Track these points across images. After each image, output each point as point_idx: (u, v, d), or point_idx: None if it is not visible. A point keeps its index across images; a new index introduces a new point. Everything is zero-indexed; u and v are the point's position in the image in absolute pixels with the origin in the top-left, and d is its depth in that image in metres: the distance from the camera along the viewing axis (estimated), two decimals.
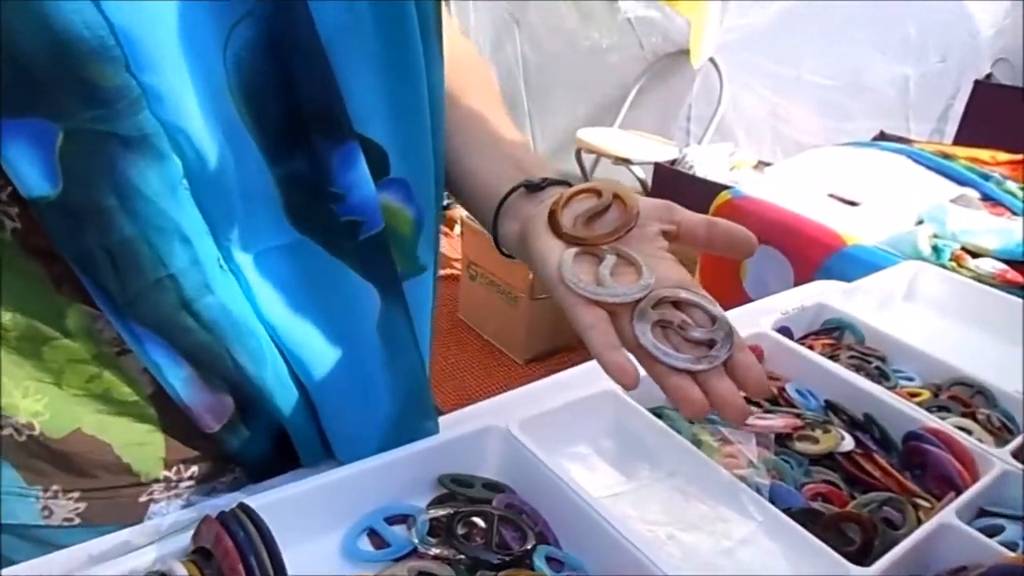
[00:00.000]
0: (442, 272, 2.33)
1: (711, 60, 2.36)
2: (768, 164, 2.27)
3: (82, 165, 0.34)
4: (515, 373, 2.15)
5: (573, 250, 0.41)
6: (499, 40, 3.17)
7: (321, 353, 0.44)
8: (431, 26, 0.43)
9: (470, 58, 0.55)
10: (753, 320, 0.73)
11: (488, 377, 2.14)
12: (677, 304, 0.39)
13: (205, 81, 0.35)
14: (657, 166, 2.21)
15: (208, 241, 0.38)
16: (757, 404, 0.63)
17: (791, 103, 2.24)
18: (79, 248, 0.36)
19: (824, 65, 2.08)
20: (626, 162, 2.41)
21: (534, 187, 0.46)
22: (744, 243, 0.42)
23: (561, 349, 2.20)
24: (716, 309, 0.39)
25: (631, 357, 0.37)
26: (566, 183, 0.47)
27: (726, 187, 1.96)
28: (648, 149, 2.44)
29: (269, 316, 0.42)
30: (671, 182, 2.15)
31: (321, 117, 0.38)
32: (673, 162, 2.25)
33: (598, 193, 0.44)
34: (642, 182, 2.44)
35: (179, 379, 0.41)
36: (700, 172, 2.12)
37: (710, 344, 0.38)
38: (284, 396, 0.44)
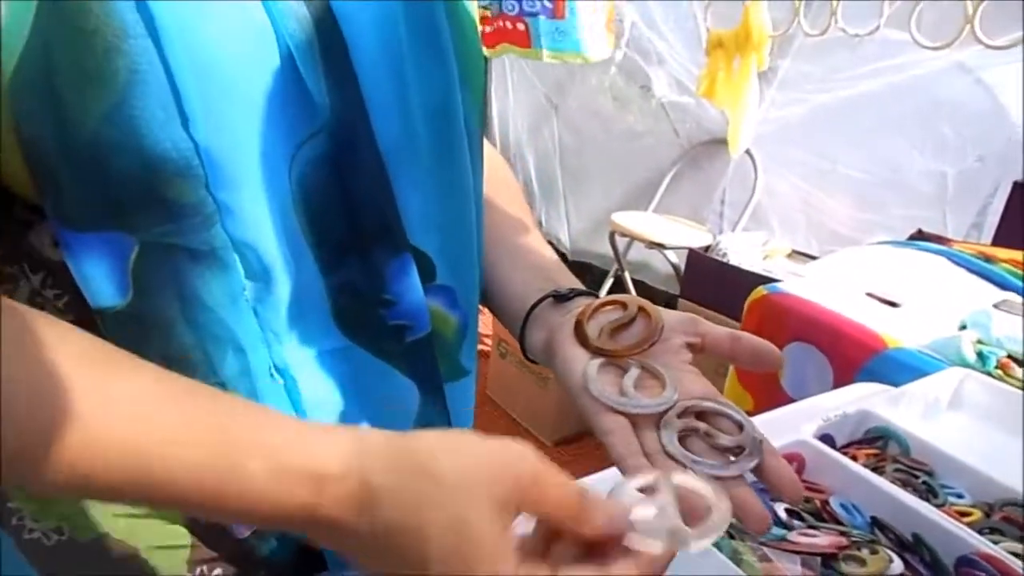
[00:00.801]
0: None
1: (747, 151, 2.40)
2: (803, 254, 2.27)
3: (152, 277, 0.36)
4: (543, 456, 2.12)
5: (598, 361, 0.42)
6: (537, 125, 3.27)
7: None
8: (477, 143, 0.46)
9: (498, 166, 0.58)
10: (793, 426, 0.71)
11: None
12: (701, 415, 0.40)
13: (273, 196, 0.37)
14: (691, 252, 2.22)
15: (262, 351, 0.40)
16: (799, 517, 0.61)
17: (826, 194, 2.25)
18: (140, 355, 0.38)
19: (860, 159, 2.10)
20: (660, 247, 2.43)
21: (562, 297, 0.48)
22: (769, 357, 0.42)
23: (589, 432, 2.16)
24: (742, 417, 0.39)
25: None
26: (593, 294, 0.48)
27: (759, 276, 1.97)
28: (682, 234, 2.46)
29: (310, 408, 0.42)
30: (704, 269, 2.15)
31: (379, 229, 0.40)
32: (707, 248, 2.26)
33: (624, 305, 0.45)
34: (675, 267, 2.45)
35: None
36: (734, 260, 2.13)
37: (738, 451, 0.37)
38: None
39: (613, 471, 0.66)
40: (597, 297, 0.47)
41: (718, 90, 2.10)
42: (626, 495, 0.33)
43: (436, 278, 0.45)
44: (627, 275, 2.80)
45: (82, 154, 0.32)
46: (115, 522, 0.43)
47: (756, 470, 0.37)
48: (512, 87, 3.32)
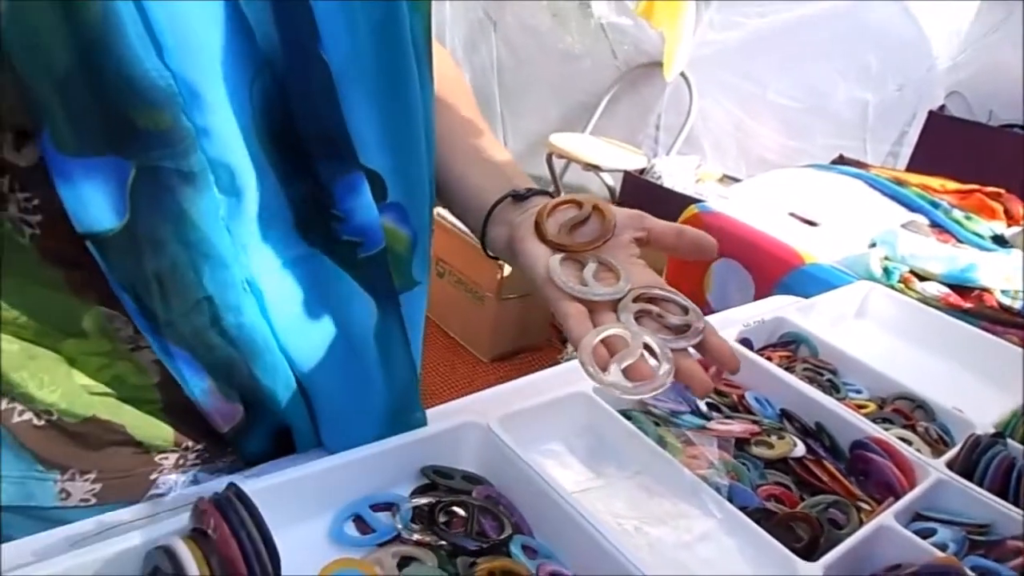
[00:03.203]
0: None
1: (682, 74, 2.42)
2: (733, 178, 2.35)
3: (148, 198, 0.37)
4: (479, 371, 2.18)
5: (559, 255, 0.45)
6: (474, 40, 3.18)
7: (324, 357, 0.47)
8: (424, 58, 0.46)
9: (448, 69, 0.58)
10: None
11: (452, 373, 2.16)
12: (652, 300, 0.44)
13: (239, 117, 0.38)
14: (626, 175, 2.26)
15: (238, 265, 0.41)
16: (718, 409, 0.67)
17: (756, 120, 2.31)
18: (132, 274, 0.39)
19: (789, 86, 2.16)
20: (596, 168, 2.46)
21: (520, 197, 0.50)
22: (708, 248, 0.47)
23: (526, 349, 2.23)
24: (686, 302, 0.44)
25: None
26: (548, 193, 0.51)
27: (692, 198, 2.03)
28: (618, 157, 2.49)
29: (279, 325, 0.45)
30: (639, 191, 2.20)
31: (329, 148, 0.41)
32: (642, 171, 2.31)
33: (579, 204, 0.48)
34: (611, 189, 2.49)
35: (200, 389, 0.44)
36: (667, 183, 2.19)
37: (684, 329, 0.42)
38: (289, 398, 0.47)
39: (546, 372, 0.71)
40: (552, 196, 0.49)
41: (656, 10, 2.09)
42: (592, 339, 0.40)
43: (388, 196, 0.46)
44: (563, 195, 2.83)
45: (73, 85, 0.33)
46: (99, 402, 0.44)
47: (699, 345, 0.42)
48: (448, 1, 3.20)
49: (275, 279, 0.43)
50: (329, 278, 0.45)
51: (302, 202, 0.42)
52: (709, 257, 0.48)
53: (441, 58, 0.56)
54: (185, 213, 0.38)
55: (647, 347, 0.41)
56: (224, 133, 0.38)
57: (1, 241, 0.40)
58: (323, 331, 0.46)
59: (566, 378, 0.65)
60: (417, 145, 0.47)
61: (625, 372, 0.40)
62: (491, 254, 0.53)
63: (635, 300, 0.44)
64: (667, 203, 2.06)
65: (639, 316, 0.43)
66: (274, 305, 0.44)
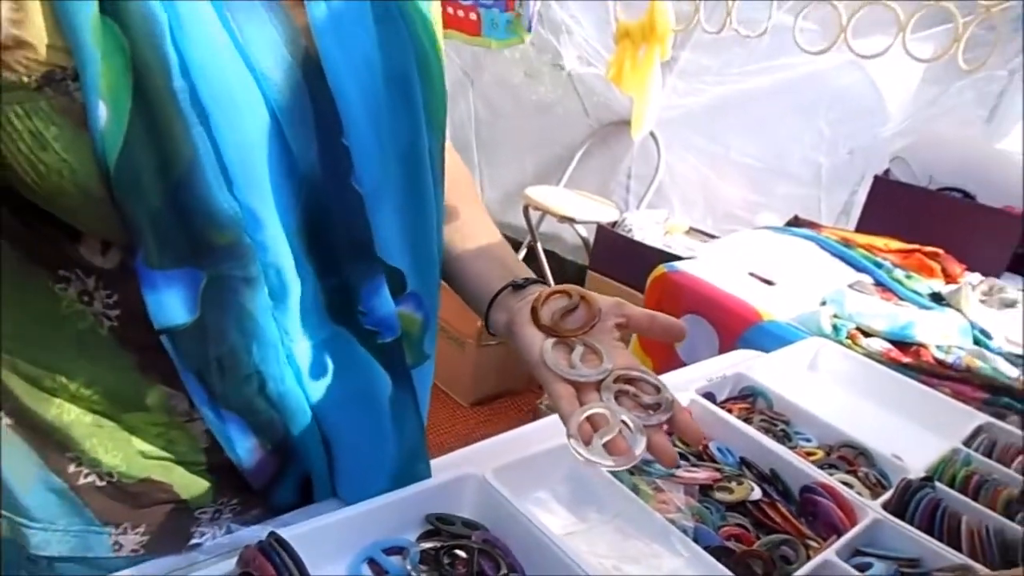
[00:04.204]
0: None
1: (651, 133, 2.57)
2: (699, 230, 2.47)
3: (214, 299, 0.45)
4: (460, 415, 2.24)
5: (551, 340, 0.54)
6: (453, 96, 3.32)
7: (346, 418, 0.55)
8: (439, 169, 0.56)
9: (453, 164, 0.68)
10: (684, 386, 0.86)
11: (433, 416, 2.20)
12: (629, 380, 0.52)
13: (286, 233, 0.47)
14: (599, 227, 2.37)
15: (281, 344, 0.49)
16: (686, 459, 0.76)
17: (721, 177, 2.46)
18: (197, 358, 0.47)
19: (750, 147, 2.31)
20: (570, 221, 2.57)
21: (519, 286, 0.59)
22: (677, 333, 0.55)
23: (505, 393, 2.30)
24: (659, 382, 0.52)
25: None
26: (543, 282, 0.60)
27: (660, 251, 2.15)
28: (591, 209, 2.61)
29: (311, 391, 0.53)
30: (612, 244, 2.32)
31: (357, 255, 0.50)
32: (614, 224, 2.43)
33: (569, 294, 0.57)
34: (584, 240, 2.61)
35: (244, 449, 0.51)
36: (638, 235, 2.30)
37: (656, 407, 0.50)
38: (315, 453, 0.54)
39: (533, 424, 0.79)
40: (547, 285, 0.58)
41: (625, 77, 2.24)
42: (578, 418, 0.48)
43: (407, 288, 0.55)
44: (539, 246, 2.94)
45: (163, 215, 0.42)
46: (153, 465, 0.52)
47: (669, 421, 0.50)
48: None
49: (309, 354, 0.51)
50: (353, 355, 0.53)
51: (334, 293, 0.51)
52: (677, 340, 0.56)
53: (448, 153, 0.65)
54: (244, 308, 0.46)
55: (624, 423, 0.48)
56: (275, 244, 0.46)
57: (84, 330, 0.48)
58: (346, 397, 0.54)
59: (551, 431, 0.73)
60: (431, 244, 0.56)
61: (606, 446, 0.47)
62: (492, 333, 0.61)
63: (615, 381, 0.51)
64: (638, 256, 2.17)
65: (618, 395, 0.51)
66: (308, 375, 0.52)
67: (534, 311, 0.55)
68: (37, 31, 0.38)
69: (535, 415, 2.14)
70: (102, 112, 0.39)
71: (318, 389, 0.53)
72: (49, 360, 0.50)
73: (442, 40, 0.55)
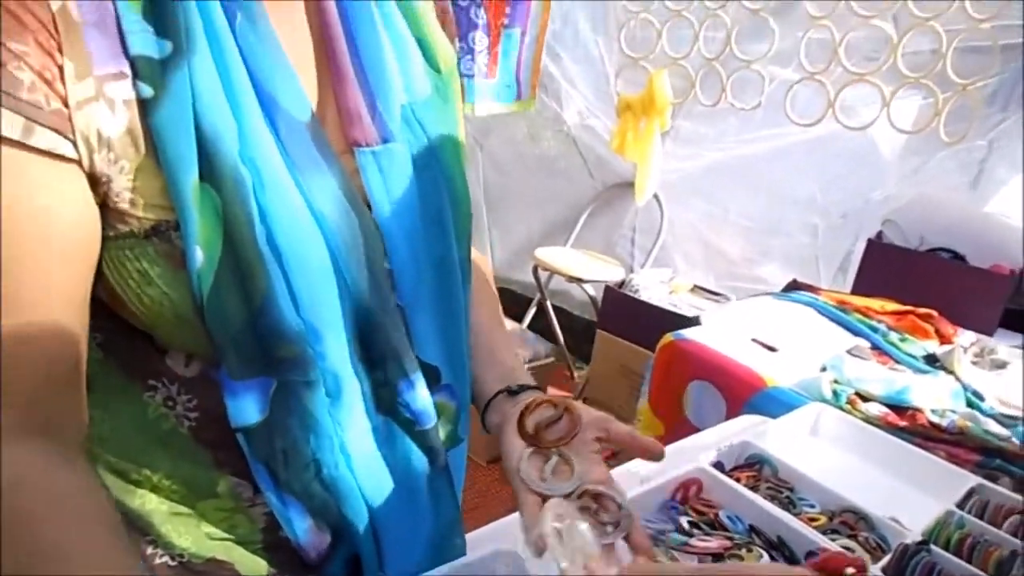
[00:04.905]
0: None
1: (654, 194, 2.69)
2: (703, 288, 2.56)
3: (281, 401, 0.54)
4: (478, 474, 2.30)
5: (530, 450, 0.59)
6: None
7: (390, 498, 0.62)
8: (467, 274, 0.65)
9: (480, 273, 0.76)
10: (693, 456, 0.92)
11: None
12: (596, 496, 0.56)
13: (340, 343, 0.55)
14: (607, 288, 2.46)
15: (335, 436, 0.57)
16: (698, 526, 0.82)
17: (721, 237, 2.56)
18: (265, 451, 0.55)
19: (748, 208, 2.42)
20: (578, 281, 2.67)
21: (513, 392, 0.65)
22: (656, 454, 0.60)
23: None
24: (624, 500, 0.57)
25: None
26: (539, 389, 0.66)
27: (666, 311, 2.24)
28: (597, 269, 2.71)
29: (360, 475, 0.60)
30: (619, 304, 2.40)
31: (396, 357, 0.58)
32: (621, 284, 2.52)
33: (555, 405, 0.62)
34: (592, 299, 2.70)
35: (302, 529, 0.58)
36: (644, 295, 2.39)
37: (615, 525, 0.55)
38: (364, 530, 0.61)
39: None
40: (541, 391, 0.65)
41: (627, 146, 2.37)
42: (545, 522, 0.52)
43: (441, 380, 0.63)
44: (548, 303, 3.03)
45: (243, 336, 0.51)
46: (217, 546, 0.59)
47: (626, 537, 0.53)
48: None
49: (358, 442, 0.59)
50: (395, 441, 0.61)
51: (379, 388, 0.59)
52: (656, 460, 0.59)
53: (476, 263, 0.74)
54: (306, 408, 0.54)
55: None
56: (332, 353, 0.54)
57: (167, 430, 0.56)
58: (390, 479, 0.62)
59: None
60: (461, 341, 0.65)
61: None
62: (488, 431, 0.68)
63: (580, 496, 0.55)
64: (645, 315, 2.26)
65: (582, 509, 0.55)
66: (357, 460, 0.59)
67: (520, 418, 0.61)
68: (149, 194, 0.48)
69: None
70: (199, 256, 0.48)
71: (366, 473, 0.60)
72: (136, 456, 0.58)
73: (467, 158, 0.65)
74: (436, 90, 0.62)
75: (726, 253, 2.56)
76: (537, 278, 2.94)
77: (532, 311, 3.14)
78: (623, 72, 2.55)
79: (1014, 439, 1.13)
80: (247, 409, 0.53)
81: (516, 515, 0.81)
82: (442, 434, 0.64)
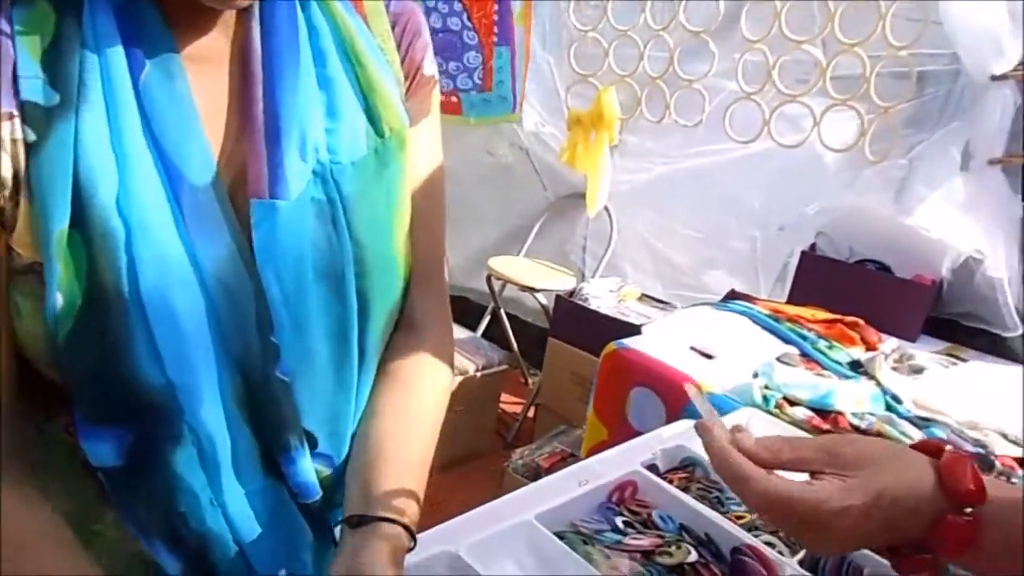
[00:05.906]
0: None
1: (604, 206, 2.77)
2: (651, 296, 2.65)
3: (141, 451, 0.55)
4: (430, 481, 2.32)
5: None
6: None
7: (275, 560, 0.63)
8: (372, 355, 0.65)
9: (427, 413, 0.74)
10: (629, 459, 0.98)
11: None
12: None
13: (225, 402, 0.57)
14: (558, 297, 2.53)
15: (206, 491, 0.58)
16: (632, 525, 0.88)
17: (668, 247, 2.65)
18: (124, 491, 0.57)
19: (693, 220, 2.52)
20: (531, 290, 2.72)
21: (352, 523, 0.58)
22: None
23: (473, 455, 2.40)
24: None
25: None
26: (398, 523, 0.59)
27: (614, 319, 2.31)
28: (549, 279, 2.77)
29: (241, 533, 0.60)
30: (570, 312, 2.47)
31: (280, 428, 0.60)
32: (571, 292, 2.58)
33: None
34: (544, 307, 2.76)
35: (175, 569, 0.59)
36: (594, 304, 2.46)
37: None
38: None
39: (502, 499, 0.90)
40: (392, 522, 0.58)
41: (578, 158, 2.44)
42: None
43: (317, 447, 0.63)
44: (503, 311, 3.08)
45: (98, 384, 0.52)
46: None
47: None
48: None
49: (236, 502, 0.60)
50: (280, 505, 0.62)
51: (265, 452, 0.60)
52: None
53: (434, 382, 0.74)
54: (167, 462, 0.56)
55: None
56: (204, 412, 0.55)
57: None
58: (272, 540, 0.62)
59: (515, 506, 0.85)
60: (348, 415, 0.65)
61: None
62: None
63: None
64: (594, 324, 2.33)
65: None
66: (236, 518, 0.60)
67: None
68: (26, 234, 0.50)
69: (502, 477, 2.23)
70: (58, 301, 0.49)
71: (247, 531, 0.60)
72: (39, 474, 0.57)
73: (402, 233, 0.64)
74: (375, 152, 0.61)
75: (673, 262, 2.65)
76: (491, 287, 2.99)
77: (487, 319, 3.18)
78: (573, 88, 2.63)
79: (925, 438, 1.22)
80: (102, 452, 0.54)
81: (458, 518, 0.86)
82: (322, 502, 0.64)
